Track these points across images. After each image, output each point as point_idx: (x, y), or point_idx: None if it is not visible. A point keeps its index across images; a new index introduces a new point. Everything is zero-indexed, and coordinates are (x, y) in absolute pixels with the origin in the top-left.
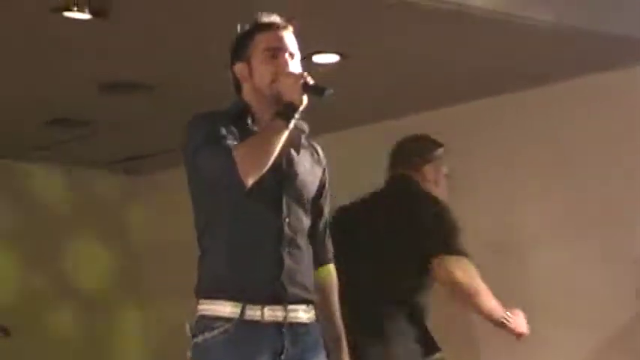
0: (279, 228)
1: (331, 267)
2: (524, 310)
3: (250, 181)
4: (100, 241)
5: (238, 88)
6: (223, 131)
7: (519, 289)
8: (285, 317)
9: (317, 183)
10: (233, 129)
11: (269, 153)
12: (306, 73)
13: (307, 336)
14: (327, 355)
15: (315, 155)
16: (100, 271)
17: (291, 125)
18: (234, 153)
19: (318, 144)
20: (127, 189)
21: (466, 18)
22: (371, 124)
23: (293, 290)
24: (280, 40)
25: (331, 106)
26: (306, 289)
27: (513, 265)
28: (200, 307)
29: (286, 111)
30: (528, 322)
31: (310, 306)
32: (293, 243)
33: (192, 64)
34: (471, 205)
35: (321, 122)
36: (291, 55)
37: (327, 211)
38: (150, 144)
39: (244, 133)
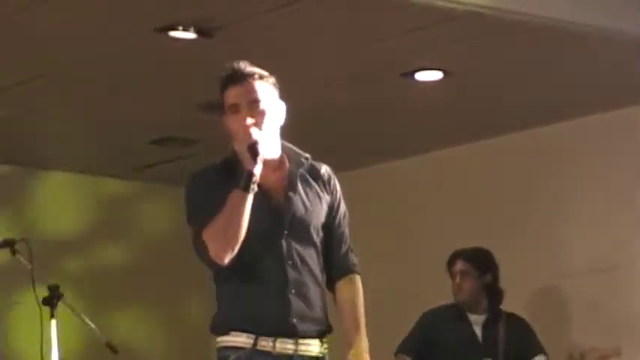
0: (283, 273)
1: (353, 277)
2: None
3: (225, 260)
4: None
5: None
6: (205, 205)
7: (626, 309)
8: (296, 350)
9: (324, 209)
10: (219, 188)
11: (236, 229)
12: (254, 135)
13: None
14: None
15: (321, 180)
16: None
17: (252, 191)
18: (204, 237)
19: (419, 163)
20: None
21: (573, 35)
22: (475, 141)
23: (303, 327)
24: (241, 95)
25: (434, 123)
26: (316, 321)
27: (622, 284)
28: (218, 340)
29: (242, 180)
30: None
31: (323, 339)
32: (298, 282)
33: (302, 85)
34: (577, 224)
35: (423, 140)
36: (256, 104)
37: (342, 230)
38: None
39: (235, 183)
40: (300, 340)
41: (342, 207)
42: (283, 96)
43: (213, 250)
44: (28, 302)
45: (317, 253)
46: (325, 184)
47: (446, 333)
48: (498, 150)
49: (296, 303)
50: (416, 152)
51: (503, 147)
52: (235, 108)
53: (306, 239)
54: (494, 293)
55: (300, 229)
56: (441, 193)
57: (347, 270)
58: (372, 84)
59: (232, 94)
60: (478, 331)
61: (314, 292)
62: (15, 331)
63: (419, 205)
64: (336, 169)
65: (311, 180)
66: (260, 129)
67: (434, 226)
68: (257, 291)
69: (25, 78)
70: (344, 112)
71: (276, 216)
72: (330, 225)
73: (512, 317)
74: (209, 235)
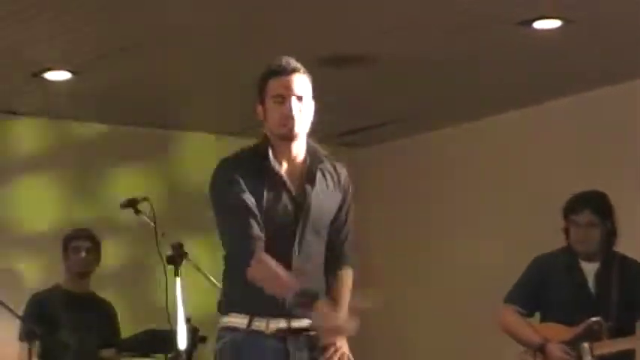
0: (288, 261)
1: (347, 270)
2: None
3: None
4: None
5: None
6: (238, 195)
7: None
8: (289, 327)
9: (335, 206)
10: (249, 177)
11: (268, 289)
12: (295, 285)
13: (313, 340)
14: None
15: (336, 178)
16: None
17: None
18: (251, 273)
19: (533, 114)
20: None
21: None
22: (594, 90)
23: (298, 311)
24: (287, 86)
25: (553, 72)
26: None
27: None
28: (220, 320)
29: (292, 299)
30: None
31: None
32: (300, 271)
33: (415, 35)
34: None
35: (542, 89)
36: (299, 99)
37: (347, 226)
38: (367, 117)
39: (264, 171)
40: (293, 319)
41: (352, 205)
42: (392, 44)
43: (251, 276)
44: (153, 261)
45: (321, 247)
46: (339, 181)
47: (555, 282)
48: (616, 99)
49: None
50: (530, 103)
51: (622, 96)
52: (280, 98)
53: (316, 232)
54: (609, 237)
55: (313, 221)
56: (554, 142)
57: (346, 264)
58: (488, 33)
59: (279, 85)
60: (591, 281)
61: (313, 280)
62: (143, 289)
63: (530, 154)
64: (455, 120)
65: (327, 177)
66: (301, 122)
67: (547, 173)
68: None
69: (140, 40)
70: (461, 62)
71: (295, 207)
72: (338, 222)
73: (626, 261)
74: (254, 273)
